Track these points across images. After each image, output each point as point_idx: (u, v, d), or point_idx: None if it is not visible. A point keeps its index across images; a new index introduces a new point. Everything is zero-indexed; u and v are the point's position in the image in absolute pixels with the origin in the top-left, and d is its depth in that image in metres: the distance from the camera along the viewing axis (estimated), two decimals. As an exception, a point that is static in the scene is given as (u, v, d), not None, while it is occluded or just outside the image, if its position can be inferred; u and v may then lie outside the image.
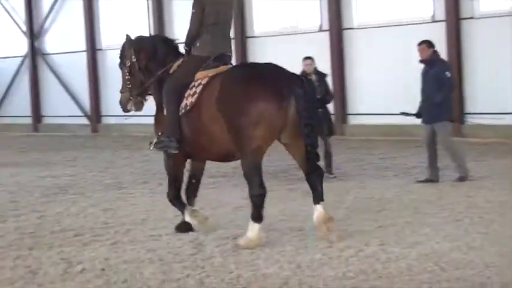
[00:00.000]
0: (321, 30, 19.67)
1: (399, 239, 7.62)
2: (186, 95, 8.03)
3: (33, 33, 25.62)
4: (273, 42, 20.41)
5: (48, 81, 25.46)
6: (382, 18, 18.83)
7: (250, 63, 7.99)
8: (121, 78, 9.00)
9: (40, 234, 8.61)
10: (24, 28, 25.78)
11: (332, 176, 11.97)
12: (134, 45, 8.80)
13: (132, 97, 8.82)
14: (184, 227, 8.34)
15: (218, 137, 7.81)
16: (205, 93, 7.88)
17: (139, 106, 8.91)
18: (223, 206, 10.13)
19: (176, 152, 8.08)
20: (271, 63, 8.11)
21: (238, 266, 6.85)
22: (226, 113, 7.64)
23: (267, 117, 7.50)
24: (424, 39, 11.55)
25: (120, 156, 17.16)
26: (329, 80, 12.87)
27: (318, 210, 7.69)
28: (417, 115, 11.56)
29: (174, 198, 8.45)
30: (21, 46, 25.97)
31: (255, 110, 7.50)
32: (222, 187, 11.82)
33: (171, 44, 8.82)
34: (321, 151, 8.90)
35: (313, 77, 11.99)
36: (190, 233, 8.24)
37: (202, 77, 8.04)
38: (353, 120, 19.39)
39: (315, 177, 7.78)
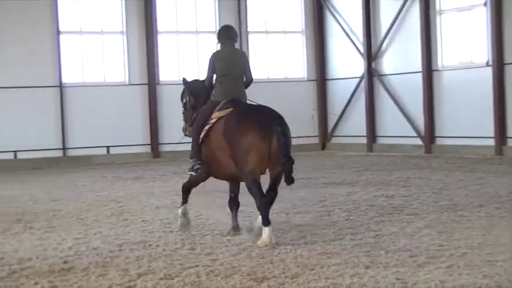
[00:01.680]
0: None
1: None
2: (203, 129, 10.39)
3: (371, 54, 26.10)
4: None
5: (383, 102, 25.77)
6: None
7: (247, 106, 10.50)
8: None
9: (376, 253, 8.69)
10: (362, 50, 26.31)
11: None
12: (188, 87, 11.36)
13: (189, 126, 11.19)
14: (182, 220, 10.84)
15: (223, 162, 10.14)
16: (214, 129, 10.23)
17: None
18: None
19: (199, 171, 10.50)
20: (262, 106, 10.37)
21: None
22: (229, 144, 9.88)
23: (256, 147, 9.62)
24: None
25: (454, 177, 16.86)
26: None
27: (266, 233, 9.50)
28: None
29: (184, 190, 10.95)
30: (358, 67, 26.51)
31: (246, 142, 9.65)
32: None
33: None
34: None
35: None
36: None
37: (214, 117, 10.34)
38: None
39: (271, 198, 9.92)
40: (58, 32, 24.56)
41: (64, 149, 24.48)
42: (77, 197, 15.26)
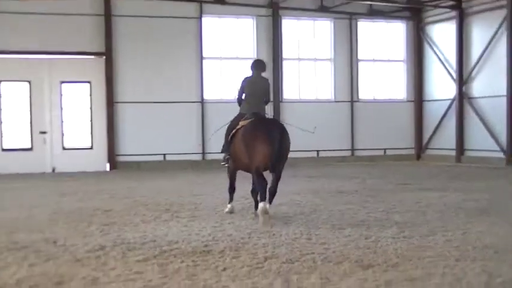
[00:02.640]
0: None
1: None
2: (232, 131, 11.69)
3: (462, 79, 25.54)
4: None
5: (472, 121, 25.20)
6: None
7: (260, 118, 11.58)
8: None
9: (464, 249, 8.51)
10: (454, 75, 25.80)
11: None
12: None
13: None
14: (229, 210, 12.06)
15: (241, 157, 11.37)
16: (238, 134, 11.45)
17: None
18: None
19: (228, 157, 11.86)
20: (270, 119, 11.92)
21: None
22: (245, 146, 11.10)
23: (261, 150, 10.81)
24: None
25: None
26: None
27: (261, 205, 10.64)
28: None
29: (228, 191, 12.24)
30: (451, 91, 26.05)
31: (254, 145, 10.90)
32: None
33: None
34: None
35: None
36: None
37: (240, 124, 11.53)
38: None
39: (271, 188, 10.87)
40: (201, 58, 25.07)
41: (203, 153, 24.92)
42: (213, 193, 15.49)
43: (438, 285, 6.72)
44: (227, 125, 12.10)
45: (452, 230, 10.00)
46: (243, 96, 11.98)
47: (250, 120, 11.38)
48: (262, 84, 11.95)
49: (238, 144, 11.36)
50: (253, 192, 11.89)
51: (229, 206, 12.12)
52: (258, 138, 10.86)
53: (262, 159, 10.83)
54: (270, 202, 10.81)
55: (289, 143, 11.23)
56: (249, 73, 12.04)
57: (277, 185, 10.96)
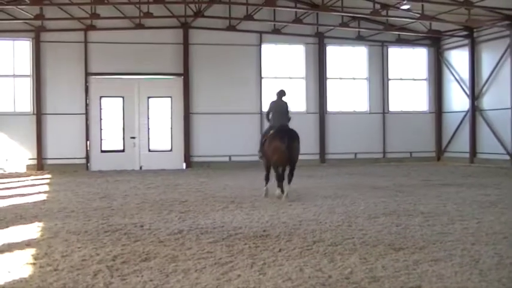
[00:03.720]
0: None
1: None
2: (265, 137, 13.06)
3: (474, 95, 24.95)
4: None
5: (482, 128, 24.61)
6: None
7: (281, 129, 12.69)
8: None
9: (478, 235, 8.23)
10: (468, 92, 25.21)
11: None
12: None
13: None
14: (264, 193, 13.28)
15: (269, 156, 12.78)
16: (268, 139, 12.83)
17: None
18: None
19: (260, 156, 13.46)
20: (288, 129, 12.71)
21: None
22: (268, 148, 12.67)
23: (278, 150, 12.35)
24: None
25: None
26: None
27: (286, 186, 12.46)
28: None
29: (264, 178, 13.49)
30: (465, 104, 25.46)
31: (273, 147, 12.46)
32: None
33: None
34: None
35: None
36: None
37: (270, 132, 12.81)
38: None
39: (289, 177, 12.60)
40: (261, 77, 25.05)
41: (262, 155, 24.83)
42: (270, 188, 15.37)
43: (458, 264, 6.50)
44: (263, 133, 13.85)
45: (468, 219, 9.74)
46: (271, 113, 13.37)
47: (275, 130, 12.83)
48: (284, 105, 13.39)
49: (267, 146, 12.87)
50: (278, 181, 13.25)
51: (264, 188, 13.44)
52: (278, 142, 12.39)
53: (280, 155, 12.37)
54: (289, 182, 12.65)
55: (299, 145, 12.55)
56: (274, 98, 13.51)
57: (292, 173, 12.62)
